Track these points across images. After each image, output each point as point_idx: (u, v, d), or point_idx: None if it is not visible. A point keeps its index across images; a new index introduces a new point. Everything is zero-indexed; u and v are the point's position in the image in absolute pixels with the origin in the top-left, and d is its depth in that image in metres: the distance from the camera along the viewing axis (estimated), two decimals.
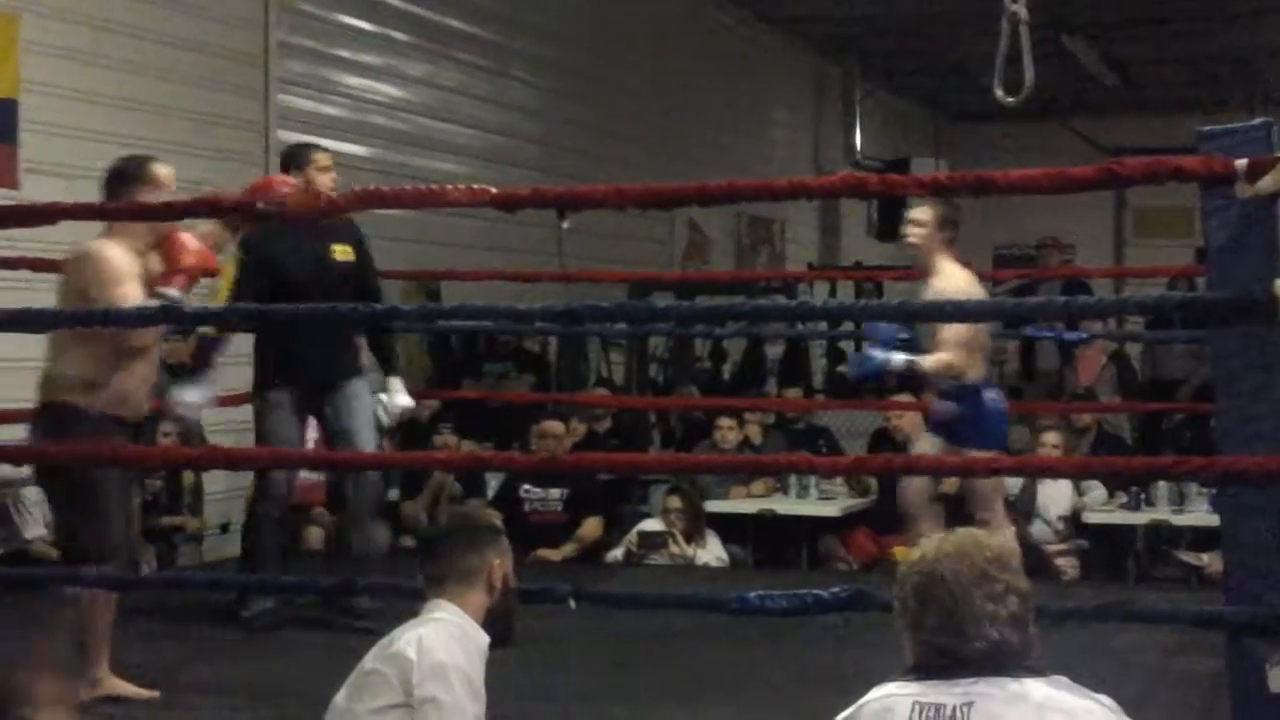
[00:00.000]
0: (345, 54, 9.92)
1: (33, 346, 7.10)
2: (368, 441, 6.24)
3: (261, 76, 9.11)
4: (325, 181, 6.24)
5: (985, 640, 2.39)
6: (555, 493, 8.22)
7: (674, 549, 7.91)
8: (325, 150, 6.58)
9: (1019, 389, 11.15)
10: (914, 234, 5.99)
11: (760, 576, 7.61)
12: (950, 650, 2.40)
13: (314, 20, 9.60)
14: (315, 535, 8.24)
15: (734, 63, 14.67)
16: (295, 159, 6.41)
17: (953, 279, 5.86)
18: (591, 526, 8.24)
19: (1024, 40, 6.38)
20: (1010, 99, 6.54)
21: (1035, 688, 2.37)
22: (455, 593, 3.41)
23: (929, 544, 2.52)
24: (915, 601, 2.44)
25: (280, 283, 6.08)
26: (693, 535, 7.98)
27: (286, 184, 5.40)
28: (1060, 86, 14.82)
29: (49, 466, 5.09)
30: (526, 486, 8.21)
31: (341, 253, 6.35)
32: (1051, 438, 8.13)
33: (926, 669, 2.43)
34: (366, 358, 6.58)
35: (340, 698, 3.35)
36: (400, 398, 6.44)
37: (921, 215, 5.99)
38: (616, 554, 8.12)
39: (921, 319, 5.49)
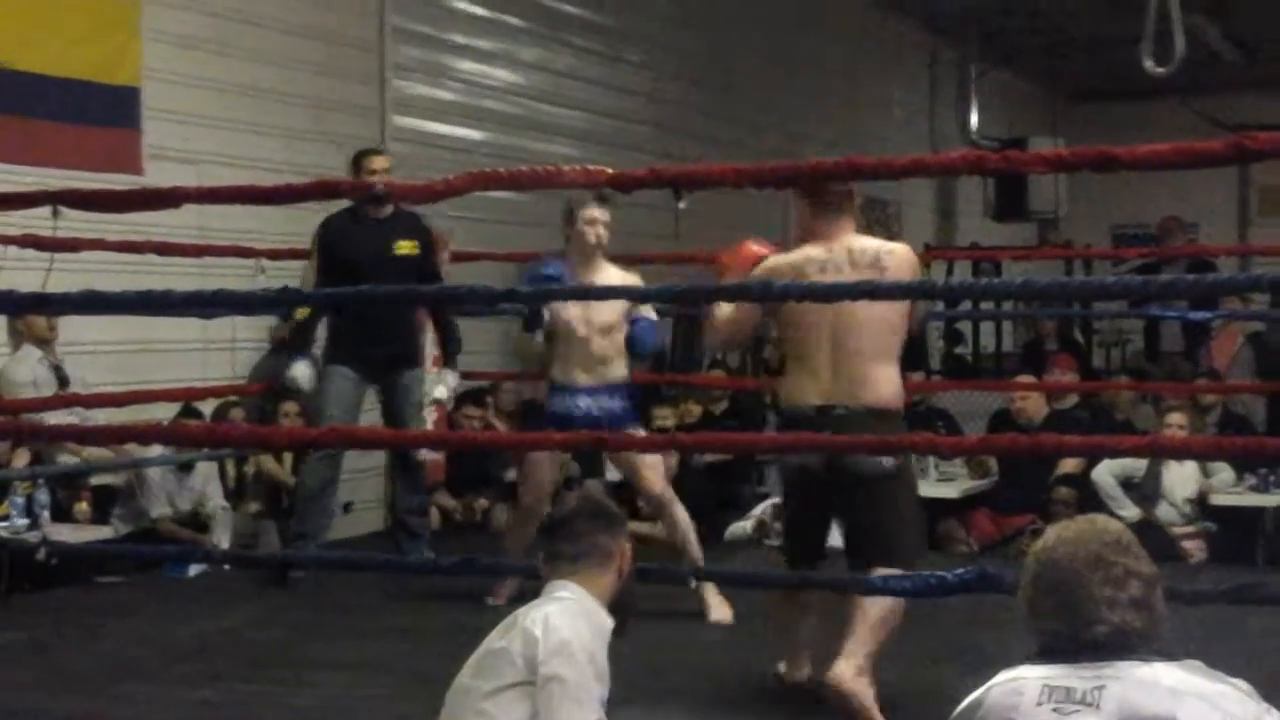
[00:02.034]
0: (459, 39, 9.97)
1: (156, 329, 7.26)
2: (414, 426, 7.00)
3: (377, 62, 9.18)
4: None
5: (1106, 625, 2.34)
6: None
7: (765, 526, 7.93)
8: (379, 153, 7.16)
9: (1143, 370, 10.98)
10: None
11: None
12: (1070, 636, 2.37)
13: (428, 6, 9.66)
14: (433, 516, 8.29)
15: (848, 43, 14.57)
16: (354, 165, 7.06)
17: None
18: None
19: (1174, 9, 6.24)
20: (1160, 70, 6.41)
21: (1167, 671, 2.32)
22: (586, 574, 3.39)
23: (1051, 531, 2.49)
24: (1033, 588, 2.42)
25: (348, 273, 6.48)
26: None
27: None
28: (1180, 64, 14.58)
29: None
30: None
31: (404, 247, 6.94)
32: (1177, 418, 7.97)
33: (1054, 653, 2.39)
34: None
35: (464, 676, 3.35)
36: (439, 390, 7.15)
37: None
38: (744, 526, 8.09)
39: (1041, 298, 5.41)
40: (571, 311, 6.07)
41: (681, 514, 6.12)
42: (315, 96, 8.65)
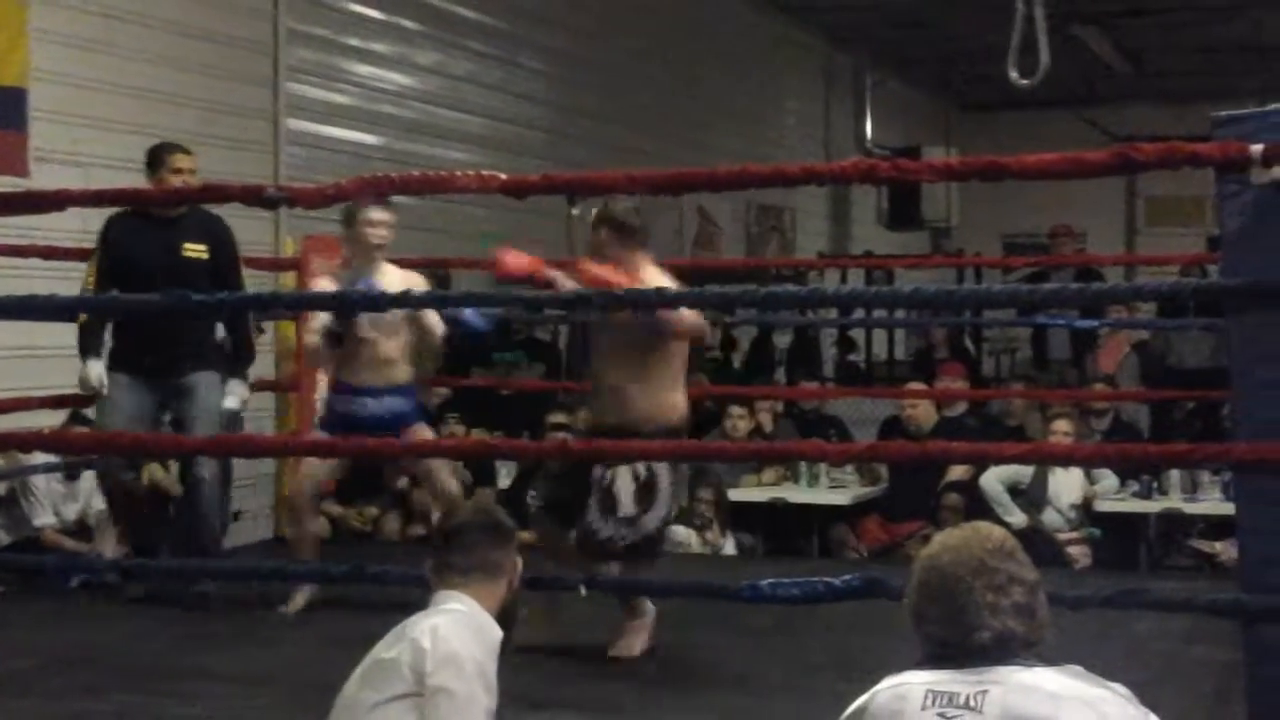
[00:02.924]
0: (355, 42, 9.90)
1: (40, 334, 7.13)
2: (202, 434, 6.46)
3: (271, 64, 9.09)
4: (176, 183, 6.38)
5: (989, 631, 2.38)
6: None
7: (708, 537, 7.95)
8: (185, 152, 6.62)
9: (1031, 377, 11.12)
10: None
11: (771, 565, 7.60)
12: (954, 642, 2.40)
13: (323, 8, 9.58)
14: (322, 525, 8.21)
15: (745, 51, 14.65)
16: (153, 161, 6.58)
17: None
18: None
19: (1039, 22, 6.36)
20: (1025, 81, 6.52)
21: (1049, 677, 2.35)
22: (477, 587, 3.38)
23: (937, 538, 2.53)
24: (918, 595, 2.46)
25: (132, 274, 6.27)
26: (725, 525, 8.04)
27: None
28: (1072, 76, 14.79)
29: None
30: (533, 492, 8.19)
31: (193, 250, 6.50)
32: (1062, 425, 8.10)
33: (938, 659, 2.42)
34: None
35: (350, 687, 3.32)
36: (228, 400, 6.62)
37: None
38: None
39: (931, 306, 5.47)
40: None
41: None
42: (207, 99, 8.54)
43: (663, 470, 5.22)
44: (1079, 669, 2.41)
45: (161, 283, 5.65)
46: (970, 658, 2.39)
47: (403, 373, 6.29)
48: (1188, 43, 15.81)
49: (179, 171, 6.48)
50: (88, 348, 6.44)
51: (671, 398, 5.31)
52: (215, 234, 6.62)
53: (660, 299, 4.85)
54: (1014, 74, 6.54)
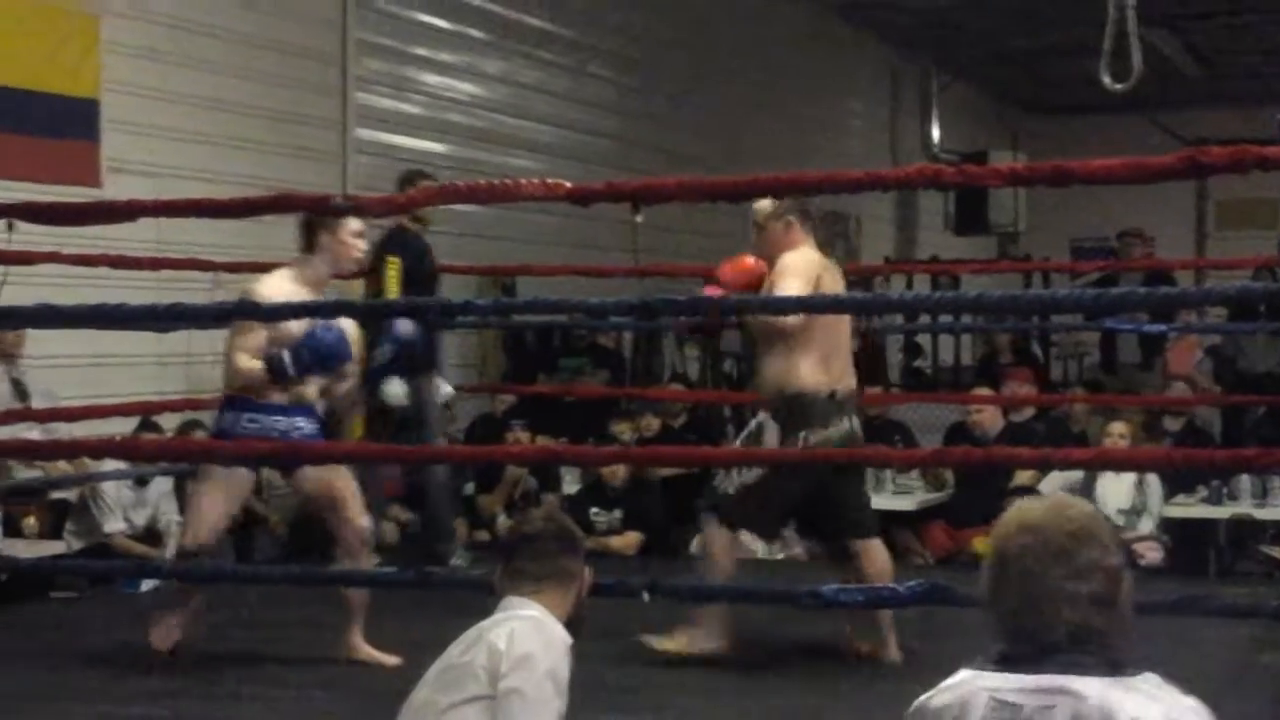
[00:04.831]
0: (423, 52, 9.97)
1: (111, 342, 7.23)
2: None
3: (340, 75, 9.17)
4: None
5: (1064, 625, 2.20)
6: (618, 513, 8.22)
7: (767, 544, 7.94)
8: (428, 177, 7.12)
9: (1099, 382, 11.04)
10: None
11: (835, 570, 7.57)
12: (1026, 634, 2.23)
13: (392, 19, 9.66)
14: (390, 530, 8.27)
15: (810, 57, 14.62)
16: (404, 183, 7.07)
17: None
18: (627, 540, 8.22)
19: (1131, 24, 6.31)
20: (1119, 86, 6.47)
21: (1122, 699, 2.16)
22: (549, 593, 3.39)
23: (1014, 512, 2.32)
24: (991, 578, 2.27)
25: (419, 282, 6.80)
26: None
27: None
28: (1141, 79, 14.66)
29: None
30: (595, 509, 8.22)
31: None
32: (1118, 428, 8.00)
33: (1008, 657, 2.26)
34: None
35: (422, 690, 3.34)
36: (444, 389, 7.28)
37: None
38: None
39: (998, 311, 5.43)
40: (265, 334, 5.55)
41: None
42: (276, 109, 8.63)
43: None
44: (1156, 679, 2.23)
45: (437, 288, 6.24)
46: (1042, 657, 2.23)
47: (309, 391, 5.68)
48: (1258, 45, 15.63)
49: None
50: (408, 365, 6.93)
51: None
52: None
53: (726, 307, 4.86)
54: (1106, 78, 6.48)
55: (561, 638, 3.35)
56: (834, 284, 5.56)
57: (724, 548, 5.56)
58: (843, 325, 5.66)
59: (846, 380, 5.58)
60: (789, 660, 5.60)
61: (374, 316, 6.54)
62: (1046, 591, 2.21)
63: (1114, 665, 2.22)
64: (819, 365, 5.46)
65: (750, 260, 5.63)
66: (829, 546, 5.81)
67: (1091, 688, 2.17)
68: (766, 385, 5.57)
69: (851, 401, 5.59)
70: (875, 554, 5.50)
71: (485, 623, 3.34)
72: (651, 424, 9.00)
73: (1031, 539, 2.25)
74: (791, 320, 5.36)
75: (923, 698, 2.38)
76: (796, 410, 5.40)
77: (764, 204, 5.63)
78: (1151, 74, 15.60)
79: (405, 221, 7.13)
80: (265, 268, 7.03)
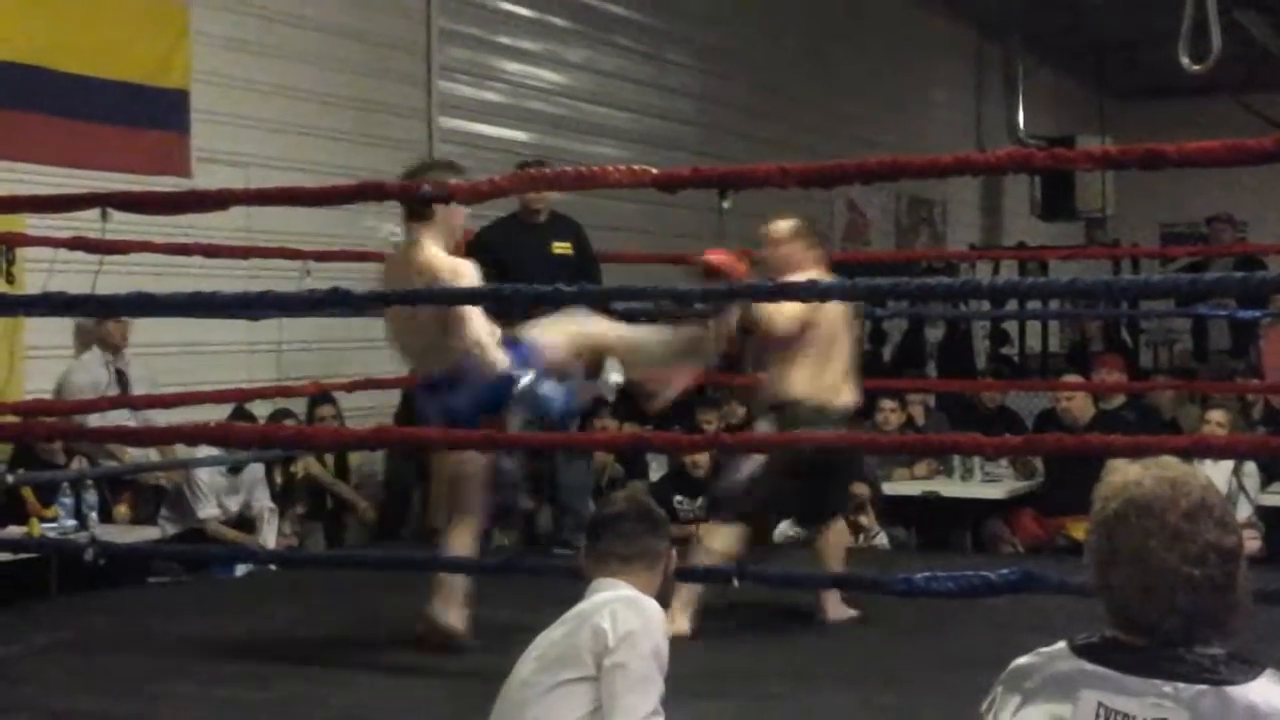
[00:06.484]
0: (505, 40, 10.00)
1: (203, 331, 7.31)
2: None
3: (424, 64, 9.22)
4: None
5: (1178, 615, 2.04)
6: (702, 501, 8.20)
7: (864, 526, 7.92)
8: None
9: (1190, 369, 10.90)
10: None
11: (924, 559, 7.54)
12: (1141, 621, 2.08)
13: (475, 7, 9.70)
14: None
15: (894, 41, 14.53)
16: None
17: None
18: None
19: (1210, 6, 6.23)
20: (1197, 67, 6.39)
21: (1244, 709, 2.00)
22: (637, 574, 3.42)
23: (1118, 479, 2.16)
24: (1099, 558, 2.12)
25: (506, 276, 6.55)
26: (877, 518, 8.01)
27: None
28: (1230, 61, 14.44)
29: None
30: (679, 498, 8.21)
31: (560, 248, 7.28)
32: (1217, 415, 7.89)
33: (1120, 650, 2.11)
34: None
35: (522, 670, 3.35)
36: (614, 375, 6.94)
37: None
38: (787, 531, 8.07)
39: (1089, 297, 5.37)
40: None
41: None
42: (362, 98, 8.69)
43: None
44: (1277, 675, 2.07)
45: (536, 279, 5.93)
46: (1155, 650, 2.08)
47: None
48: None
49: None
50: None
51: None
52: (577, 233, 7.45)
53: (812, 291, 4.84)
54: (1185, 60, 6.40)
55: (660, 617, 3.37)
56: (836, 307, 5.73)
57: (731, 543, 5.68)
58: (841, 338, 5.84)
59: (844, 394, 5.81)
60: (872, 653, 5.56)
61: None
62: (1162, 577, 2.06)
63: (1236, 666, 2.06)
64: (813, 376, 5.72)
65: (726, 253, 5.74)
66: (807, 528, 6.45)
67: (1211, 702, 2.02)
68: (765, 393, 5.91)
69: (845, 413, 5.82)
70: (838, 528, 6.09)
71: (583, 605, 3.36)
72: (736, 411, 8.98)
73: (1146, 520, 2.09)
74: (785, 326, 5.62)
75: (1027, 661, 2.22)
76: (789, 418, 5.66)
77: (783, 224, 5.94)
78: (1238, 56, 15.41)
79: (517, 210, 7.24)
80: (353, 256, 7.11)
